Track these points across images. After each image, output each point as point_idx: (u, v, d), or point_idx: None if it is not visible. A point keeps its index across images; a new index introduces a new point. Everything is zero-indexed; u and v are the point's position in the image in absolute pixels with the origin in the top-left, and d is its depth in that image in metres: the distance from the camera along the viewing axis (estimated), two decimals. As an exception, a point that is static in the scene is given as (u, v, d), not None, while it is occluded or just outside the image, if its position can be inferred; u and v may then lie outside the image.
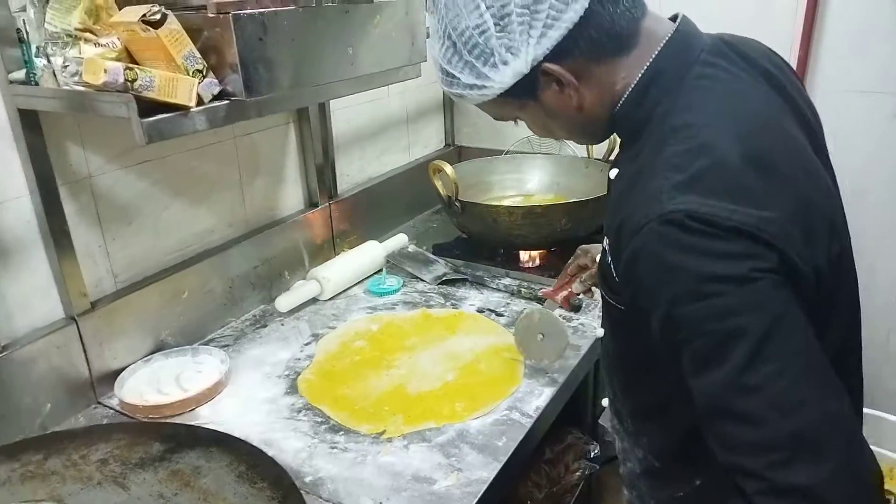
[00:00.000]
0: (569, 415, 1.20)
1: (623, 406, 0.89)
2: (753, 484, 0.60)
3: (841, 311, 0.74)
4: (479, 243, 1.64)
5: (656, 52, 0.71)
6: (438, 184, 1.57)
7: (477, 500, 0.92)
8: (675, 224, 0.61)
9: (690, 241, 0.61)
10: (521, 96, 0.74)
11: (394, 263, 1.60)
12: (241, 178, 1.44)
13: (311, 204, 1.62)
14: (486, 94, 0.74)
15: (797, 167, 0.69)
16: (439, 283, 1.52)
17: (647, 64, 0.71)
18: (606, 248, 0.74)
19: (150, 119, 0.85)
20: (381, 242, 1.63)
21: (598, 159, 1.73)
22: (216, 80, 0.92)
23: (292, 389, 1.18)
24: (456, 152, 2.14)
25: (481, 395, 1.12)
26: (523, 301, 1.43)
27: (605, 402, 0.98)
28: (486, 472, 0.96)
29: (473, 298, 1.46)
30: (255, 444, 1.02)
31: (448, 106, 2.11)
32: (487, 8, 0.68)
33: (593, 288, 1.16)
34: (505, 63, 0.70)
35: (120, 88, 0.82)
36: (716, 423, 0.63)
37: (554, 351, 1.13)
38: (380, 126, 1.85)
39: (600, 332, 0.91)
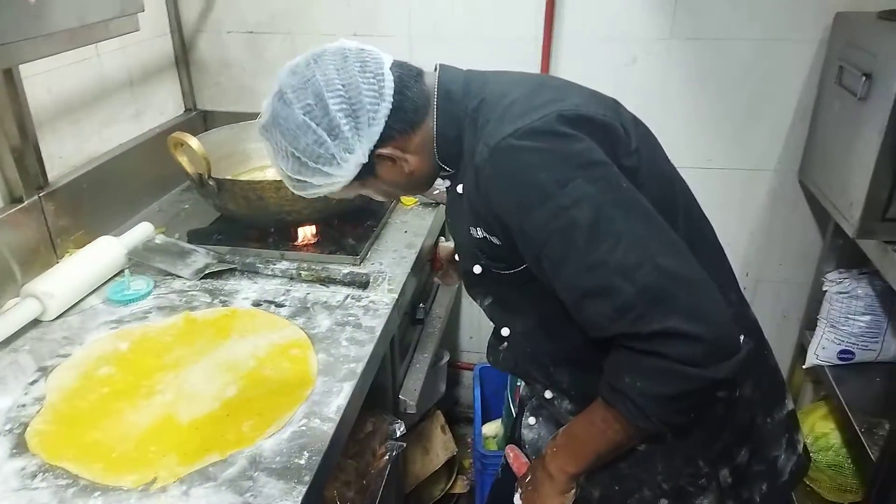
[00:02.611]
0: (367, 399, 1.10)
1: (565, 374, 0.95)
2: (630, 342, 0.74)
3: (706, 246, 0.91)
4: (244, 224, 1.43)
5: (435, 104, 0.89)
6: (183, 160, 1.32)
7: (285, 538, 0.78)
8: (504, 147, 0.78)
9: (522, 152, 0.77)
10: (364, 178, 0.91)
11: (139, 261, 1.32)
12: None
13: (14, 199, 1.27)
14: (337, 185, 0.91)
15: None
16: (202, 278, 1.29)
17: (436, 114, 0.89)
18: (484, 234, 0.87)
19: None
20: (118, 237, 1.34)
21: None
22: None
23: (20, 448, 0.90)
24: (200, 118, 1.86)
25: (271, 407, 0.96)
26: (305, 285, 1.28)
27: (552, 396, 0.99)
28: (290, 500, 0.82)
29: (246, 291, 1.27)
30: (-28, 538, 0.77)
31: (183, 63, 1.81)
32: (318, 125, 0.84)
33: None
34: (345, 161, 0.87)
35: None
36: (583, 309, 0.77)
37: None
38: (96, 93, 1.51)
39: (506, 331, 0.99)
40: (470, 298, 1.07)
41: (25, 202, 1.27)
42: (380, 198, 1.00)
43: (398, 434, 1.26)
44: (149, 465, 0.87)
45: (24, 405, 0.98)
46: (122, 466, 0.87)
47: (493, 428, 1.95)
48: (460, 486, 1.82)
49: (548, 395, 1.00)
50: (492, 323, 1.04)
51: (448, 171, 0.94)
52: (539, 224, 0.77)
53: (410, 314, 1.49)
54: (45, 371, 1.05)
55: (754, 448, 0.92)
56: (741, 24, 1.58)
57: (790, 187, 1.72)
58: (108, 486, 0.85)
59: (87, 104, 1.48)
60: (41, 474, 0.87)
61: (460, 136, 0.89)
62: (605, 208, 0.74)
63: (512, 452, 1.06)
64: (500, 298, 0.99)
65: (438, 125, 0.89)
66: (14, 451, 0.90)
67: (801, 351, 1.80)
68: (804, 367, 1.73)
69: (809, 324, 1.77)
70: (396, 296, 1.25)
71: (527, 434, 1.10)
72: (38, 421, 0.95)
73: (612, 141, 0.81)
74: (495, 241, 0.86)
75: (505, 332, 1.00)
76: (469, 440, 2.13)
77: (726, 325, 0.73)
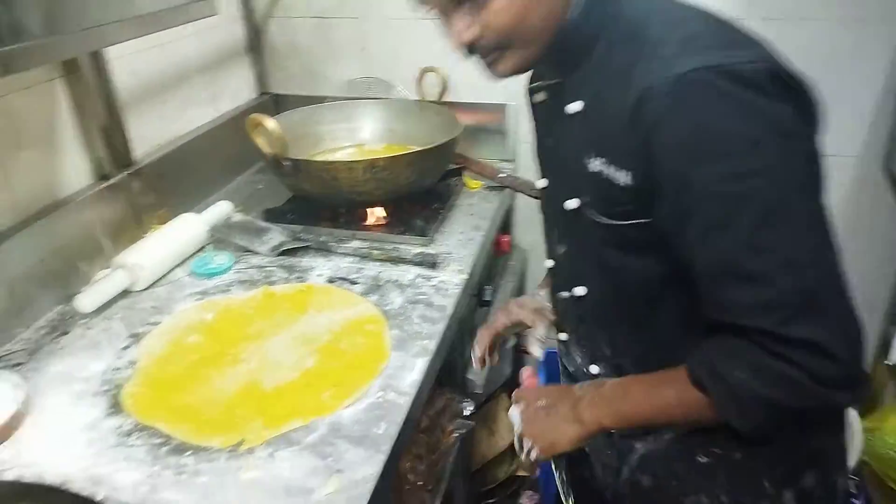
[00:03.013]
0: (438, 376, 1.12)
1: (624, 357, 0.87)
2: (764, 340, 0.65)
3: None
4: (316, 204, 1.47)
5: None
6: (260, 141, 1.36)
7: (367, 503, 0.81)
8: (696, 80, 0.64)
9: (718, 94, 0.64)
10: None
11: (219, 237, 1.38)
12: None
13: (102, 176, 1.34)
14: None
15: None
16: (278, 254, 1.34)
17: None
18: (603, 168, 0.74)
19: None
20: (199, 214, 1.40)
21: (432, 101, 1.63)
22: None
23: (116, 408, 0.96)
24: (272, 102, 1.90)
25: (349, 378, 1.00)
26: (377, 264, 1.31)
27: (595, 369, 0.92)
28: (370, 467, 0.85)
29: (321, 267, 1.30)
30: (80, 484, 0.83)
31: (256, 48, 1.86)
32: None
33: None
34: None
35: None
36: (723, 288, 0.68)
37: None
38: (175, 76, 1.57)
39: (581, 290, 0.87)
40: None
41: (113, 179, 1.33)
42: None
43: (467, 413, 1.28)
44: (236, 428, 0.91)
45: (118, 368, 1.04)
46: (211, 428, 0.91)
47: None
48: (524, 470, 1.84)
49: (594, 370, 0.92)
50: (553, 277, 0.95)
51: (544, 77, 0.81)
52: (710, 179, 0.65)
53: (477, 296, 1.50)
54: (136, 337, 1.11)
55: (820, 472, 0.84)
56: (822, 3, 1.52)
57: (875, 175, 1.66)
58: (198, 445, 0.89)
59: (167, 87, 1.54)
60: (136, 433, 0.92)
61: (595, 37, 0.75)
62: (791, 189, 0.65)
63: (527, 372, 1.03)
64: (580, 251, 0.86)
65: (578, 11, 0.74)
66: (110, 410, 0.96)
67: (885, 346, 1.73)
68: (887, 363, 1.66)
69: (894, 318, 1.71)
70: (466, 276, 1.26)
71: None
72: (131, 383, 1.00)
73: (812, 112, 0.70)
74: (624, 179, 0.72)
75: (580, 291, 0.88)
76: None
77: (862, 352, 0.67)
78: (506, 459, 1.72)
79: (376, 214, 1.44)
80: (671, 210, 0.70)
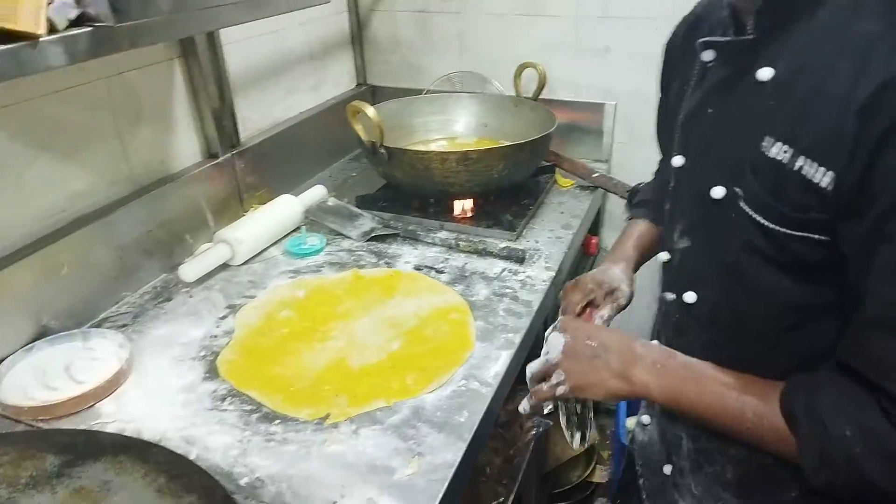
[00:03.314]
0: (521, 370, 1.11)
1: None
2: (893, 410, 0.56)
3: None
4: (407, 193, 1.49)
5: None
6: (359, 128, 1.39)
7: (445, 487, 0.81)
8: None
9: None
10: None
11: (314, 220, 1.42)
12: (119, 127, 1.20)
13: (210, 155, 1.41)
14: None
15: None
16: (368, 240, 1.36)
17: None
18: (779, 156, 0.60)
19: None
20: (296, 196, 1.44)
21: (528, 97, 1.61)
22: (72, 0, 0.71)
23: (212, 373, 1.00)
24: (369, 92, 1.94)
25: (433, 364, 1.00)
26: (463, 255, 1.31)
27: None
28: (451, 454, 0.85)
29: (408, 255, 1.32)
30: (175, 442, 0.87)
31: (358, 40, 1.90)
32: None
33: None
34: None
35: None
36: (878, 338, 0.57)
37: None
38: (282, 63, 1.63)
39: (690, 297, 0.76)
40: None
41: (221, 158, 1.39)
42: None
43: (545, 411, 1.26)
44: (323, 402, 0.93)
45: (215, 336, 1.09)
46: (299, 400, 0.94)
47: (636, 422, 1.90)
48: (598, 476, 1.80)
49: None
50: (664, 274, 0.83)
51: (725, 29, 0.69)
52: None
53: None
54: (233, 308, 1.16)
55: None
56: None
57: None
58: (286, 415, 0.92)
59: (273, 73, 1.60)
60: (229, 398, 0.96)
61: None
62: None
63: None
64: (707, 250, 0.73)
65: None
66: (206, 375, 1.00)
67: None
68: None
69: None
70: (554, 273, 1.25)
71: (638, 434, 0.98)
72: (227, 351, 1.05)
73: None
74: (821, 179, 0.57)
75: (689, 297, 0.76)
76: (609, 431, 2.09)
77: None
78: (580, 463, 1.69)
79: (465, 206, 1.44)
80: (868, 234, 0.56)
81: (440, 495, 0.80)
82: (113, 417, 0.92)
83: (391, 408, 0.93)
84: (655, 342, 0.81)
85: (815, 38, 0.60)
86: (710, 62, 0.71)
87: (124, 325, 1.12)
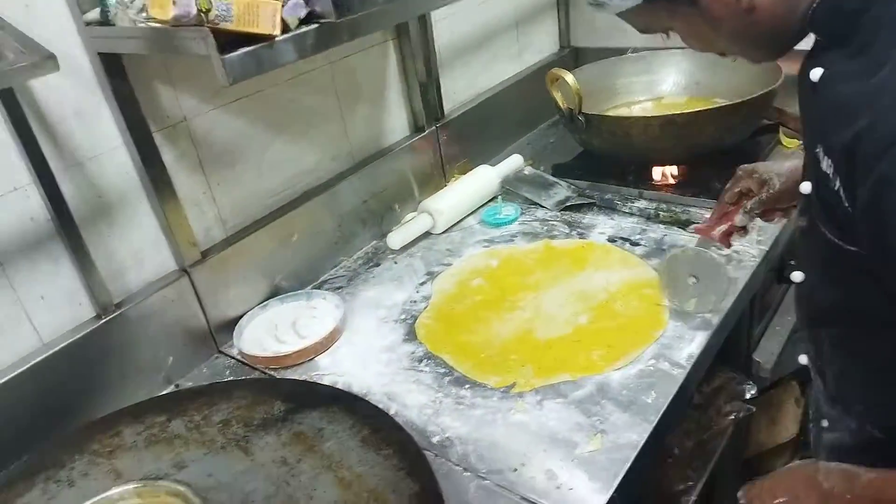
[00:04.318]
0: (718, 353, 1.04)
1: (829, 367, 0.75)
2: None
3: None
4: (605, 161, 1.45)
5: None
6: (557, 95, 1.38)
7: (627, 467, 0.80)
8: None
9: None
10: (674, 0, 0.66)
11: (509, 189, 1.45)
12: (341, 107, 1.32)
13: (417, 128, 1.49)
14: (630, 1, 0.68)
15: None
16: (562, 210, 1.36)
17: None
18: (827, 170, 0.60)
19: (232, 55, 0.74)
20: (493, 166, 1.48)
21: (747, 50, 1.45)
22: (302, 0, 0.79)
23: (411, 336, 1.09)
24: (573, 55, 1.90)
25: (621, 341, 0.98)
26: (662, 226, 1.25)
27: (802, 359, 0.83)
28: (635, 434, 0.84)
29: (603, 225, 1.29)
30: (377, 397, 0.97)
31: (562, 3, 1.86)
32: None
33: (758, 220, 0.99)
34: None
35: (194, 21, 0.71)
36: None
37: (709, 300, 0.96)
38: (486, 33, 1.66)
39: (798, 276, 0.78)
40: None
41: (426, 132, 1.48)
42: (693, 43, 0.75)
43: (747, 396, 1.17)
44: (509, 371, 0.97)
45: (415, 301, 1.18)
46: (487, 367, 0.99)
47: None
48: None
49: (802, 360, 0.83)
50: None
51: (821, 41, 0.66)
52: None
53: (777, 271, 1.34)
54: (431, 276, 1.24)
55: None
56: None
57: None
58: (476, 381, 0.97)
59: (479, 44, 1.64)
60: (425, 360, 1.04)
61: (869, 4, 0.59)
62: None
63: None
64: (808, 231, 0.73)
65: None
66: (406, 337, 1.10)
67: None
68: None
69: None
70: (767, 248, 1.13)
71: (827, 437, 0.88)
72: (424, 316, 1.13)
73: None
74: (843, 194, 0.58)
75: (797, 276, 0.79)
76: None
77: None
78: (785, 452, 1.54)
79: (667, 173, 1.36)
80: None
81: (621, 475, 0.79)
82: (328, 370, 1.05)
83: (575, 382, 0.93)
84: (834, 464, 0.74)
85: (852, 54, 0.60)
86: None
87: (340, 287, 1.26)
